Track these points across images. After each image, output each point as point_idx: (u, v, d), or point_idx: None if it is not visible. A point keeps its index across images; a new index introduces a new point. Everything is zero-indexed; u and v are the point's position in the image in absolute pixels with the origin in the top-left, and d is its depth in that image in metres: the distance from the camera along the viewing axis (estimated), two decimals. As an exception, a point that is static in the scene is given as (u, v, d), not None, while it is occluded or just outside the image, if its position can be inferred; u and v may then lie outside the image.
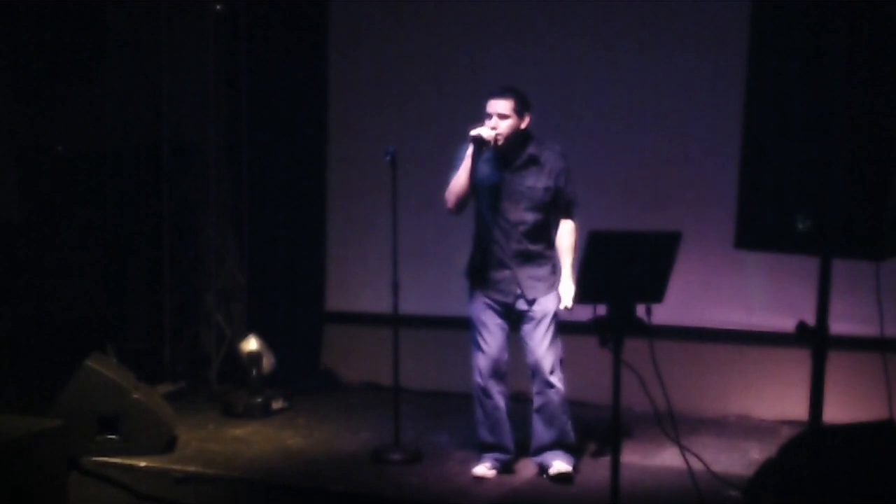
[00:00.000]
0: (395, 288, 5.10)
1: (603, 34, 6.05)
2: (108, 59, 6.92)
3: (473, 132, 4.46)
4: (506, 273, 4.62)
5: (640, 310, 3.52)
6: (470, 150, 4.48)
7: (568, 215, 4.72)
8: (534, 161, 4.60)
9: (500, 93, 4.54)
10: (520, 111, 4.54)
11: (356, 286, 6.75)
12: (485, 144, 4.48)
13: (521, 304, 4.63)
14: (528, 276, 4.62)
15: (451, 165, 4.61)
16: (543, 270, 4.66)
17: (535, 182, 4.60)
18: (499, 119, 4.50)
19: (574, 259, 4.64)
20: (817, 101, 2.82)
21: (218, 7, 6.64)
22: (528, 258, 4.63)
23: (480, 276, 4.67)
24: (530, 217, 4.61)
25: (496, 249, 4.62)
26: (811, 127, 2.84)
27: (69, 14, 6.57)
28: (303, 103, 6.77)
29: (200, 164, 6.97)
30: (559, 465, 4.66)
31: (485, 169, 4.59)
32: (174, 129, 6.95)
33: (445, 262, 5.70)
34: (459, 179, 4.52)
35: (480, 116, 4.59)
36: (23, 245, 6.38)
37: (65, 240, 6.61)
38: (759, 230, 2.99)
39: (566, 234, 4.71)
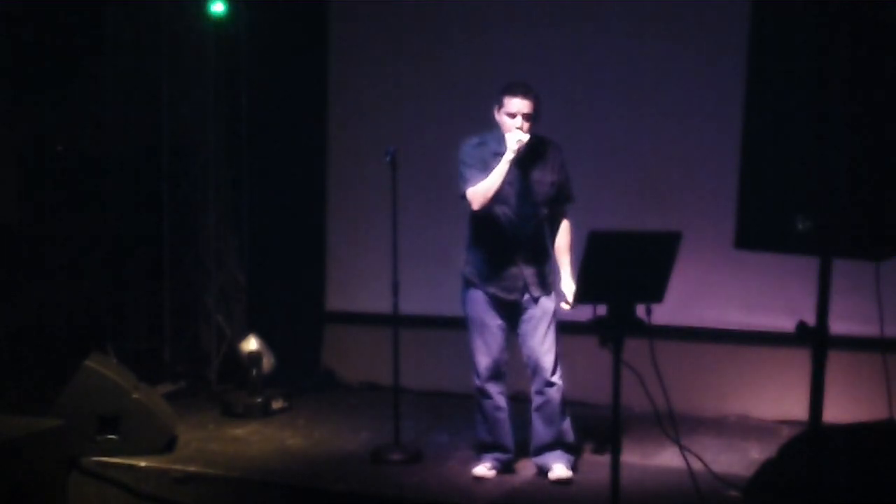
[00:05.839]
0: (395, 288, 5.10)
1: (603, 34, 6.06)
2: (107, 59, 6.91)
3: (518, 141, 4.40)
4: (513, 270, 4.60)
5: (640, 310, 3.52)
6: (513, 156, 4.42)
7: (564, 212, 4.72)
8: (540, 156, 4.60)
9: (525, 92, 4.47)
10: (539, 109, 4.52)
11: (356, 286, 6.75)
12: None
13: (526, 302, 4.62)
14: (535, 273, 4.62)
15: (464, 163, 4.56)
16: (546, 268, 4.67)
17: (542, 177, 4.60)
18: (524, 119, 4.47)
19: (572, 257, 4.65)
20: (817, 100, 2.82)
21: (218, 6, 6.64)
22: (536, 255, 4.64)
23: (484, 274, 4.65)
24: (540, 212, 4.62)
25: (506, 246, 4.60)
26: (811, 127, 2.83)
27: (69, 15, 6.55)
28: (303, 103, 6.77)
29: (200, 164, 6.97)
30: (559, 469, 4.66)
31: (496, 165, 4.53)
32: (174, 130, 6.95)
33: (445, 262, 5.70)
34: (494, 183, 4.45)
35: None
36: (23, 246, 6.36)
37: (65, 240, 6.59)
38: (759, 230, 2.99)
39: (563, 232, 4.72)
